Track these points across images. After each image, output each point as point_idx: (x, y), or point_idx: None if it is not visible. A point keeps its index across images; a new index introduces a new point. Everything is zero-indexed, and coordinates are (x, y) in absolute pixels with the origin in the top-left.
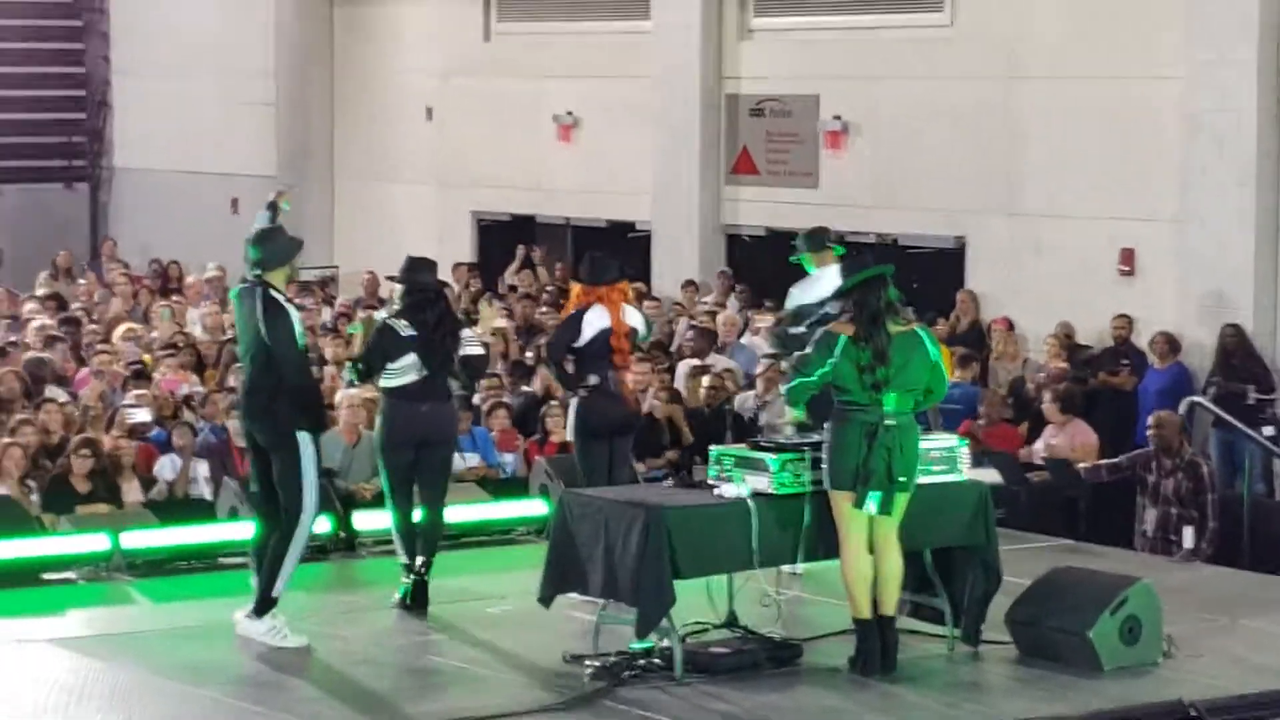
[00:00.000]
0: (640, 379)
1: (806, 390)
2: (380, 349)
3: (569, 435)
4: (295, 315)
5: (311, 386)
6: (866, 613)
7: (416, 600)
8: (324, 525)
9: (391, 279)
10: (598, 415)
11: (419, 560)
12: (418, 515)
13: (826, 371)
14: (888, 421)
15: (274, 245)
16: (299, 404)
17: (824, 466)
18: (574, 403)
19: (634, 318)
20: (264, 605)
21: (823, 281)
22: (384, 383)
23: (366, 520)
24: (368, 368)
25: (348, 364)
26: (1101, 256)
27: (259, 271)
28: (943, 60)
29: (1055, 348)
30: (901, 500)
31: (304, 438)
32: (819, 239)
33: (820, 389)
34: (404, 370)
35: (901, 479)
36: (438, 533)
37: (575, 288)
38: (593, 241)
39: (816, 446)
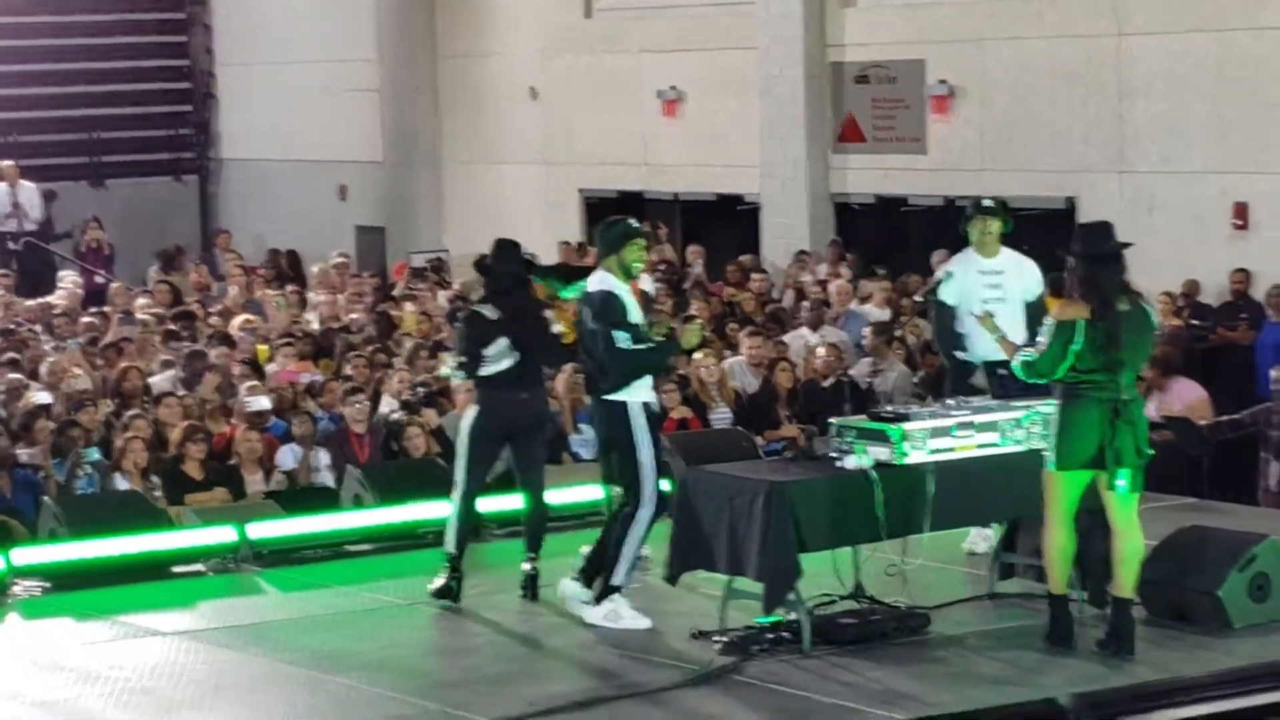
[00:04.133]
0: (755, 353)
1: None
2: (474, 337)
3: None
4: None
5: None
6: (1063, 588)
7: (529, 593)
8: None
9: (477, 266)
10: None
11: (528, 555)
12: (520, 505)
13: (1069, 364)
14: (1124, 397)
15: (603, 235)
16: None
17: (1050, 445)
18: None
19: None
20: (605, 591)
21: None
22: (480, 371)
23: (490, 504)
24: (470, 359)
25: (448, 361)
26: (1215, 212)
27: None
28: (1048, 20)
29: (1169, 306)
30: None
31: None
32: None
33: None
34: (498, 356)
35: (1149, 452)
36: (545, 521)
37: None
38: (702, 216)
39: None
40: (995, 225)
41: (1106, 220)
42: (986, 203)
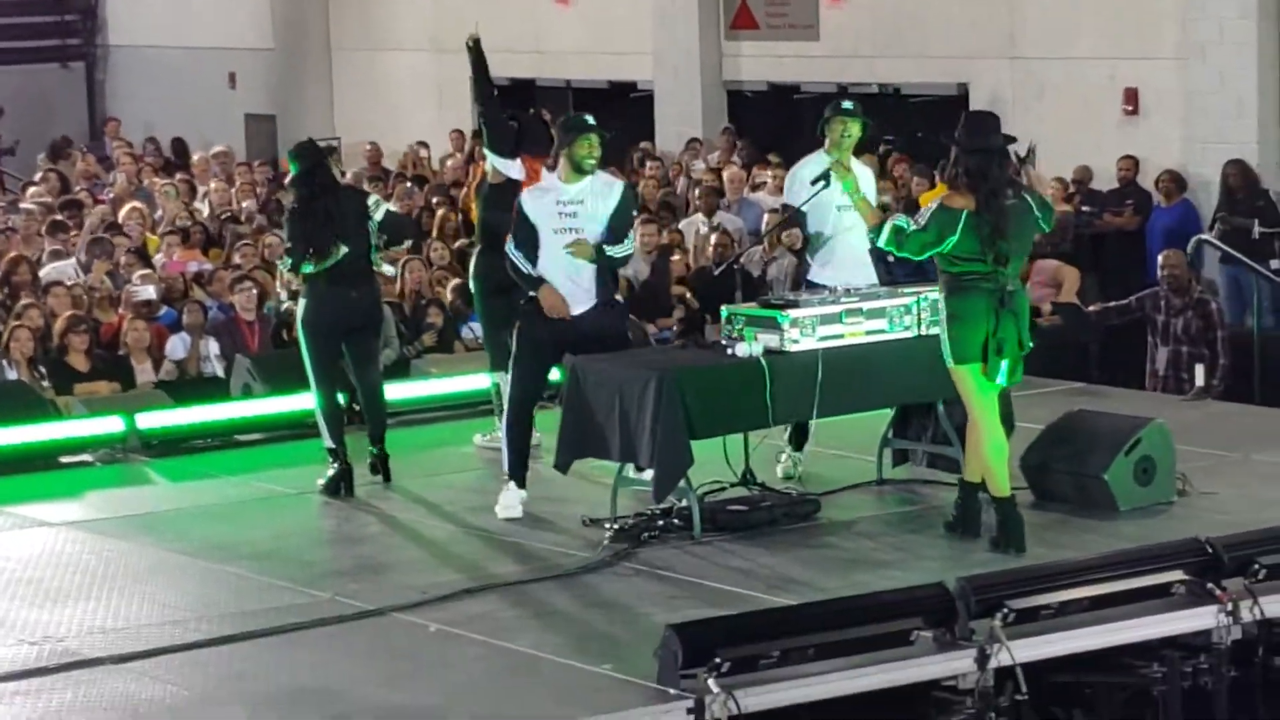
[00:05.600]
0: (647, 240)
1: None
2: (296, 234)
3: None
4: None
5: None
6: (1008, 489)
7: (383, 475)
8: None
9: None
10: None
11: (376, 443)
12: (361, 399)
13: (940, 251)
14: (1009, 288)
15: (558, 129)
16: None
17: (944, 341)
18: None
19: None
20: None
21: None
22: (307, 268)
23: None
24: (295, 256)
25: (285, 257)
26: (1104, 97)
27: None
28: None
29: (1060, 192)
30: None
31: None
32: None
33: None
34: (327, 253)
35: (1030, 345)
36: (384, 413)
37: None
38: (595, 103)
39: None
40: (855, 128)
41: (993, 111)
42: (847, 105)
